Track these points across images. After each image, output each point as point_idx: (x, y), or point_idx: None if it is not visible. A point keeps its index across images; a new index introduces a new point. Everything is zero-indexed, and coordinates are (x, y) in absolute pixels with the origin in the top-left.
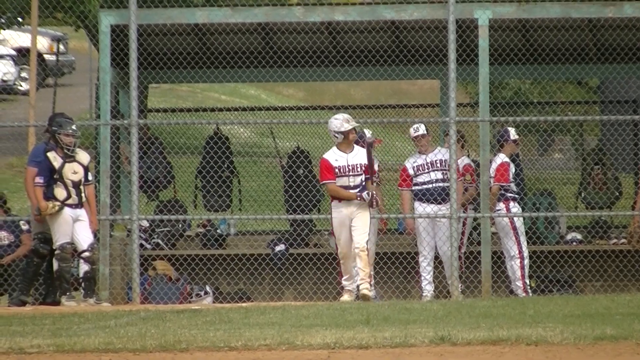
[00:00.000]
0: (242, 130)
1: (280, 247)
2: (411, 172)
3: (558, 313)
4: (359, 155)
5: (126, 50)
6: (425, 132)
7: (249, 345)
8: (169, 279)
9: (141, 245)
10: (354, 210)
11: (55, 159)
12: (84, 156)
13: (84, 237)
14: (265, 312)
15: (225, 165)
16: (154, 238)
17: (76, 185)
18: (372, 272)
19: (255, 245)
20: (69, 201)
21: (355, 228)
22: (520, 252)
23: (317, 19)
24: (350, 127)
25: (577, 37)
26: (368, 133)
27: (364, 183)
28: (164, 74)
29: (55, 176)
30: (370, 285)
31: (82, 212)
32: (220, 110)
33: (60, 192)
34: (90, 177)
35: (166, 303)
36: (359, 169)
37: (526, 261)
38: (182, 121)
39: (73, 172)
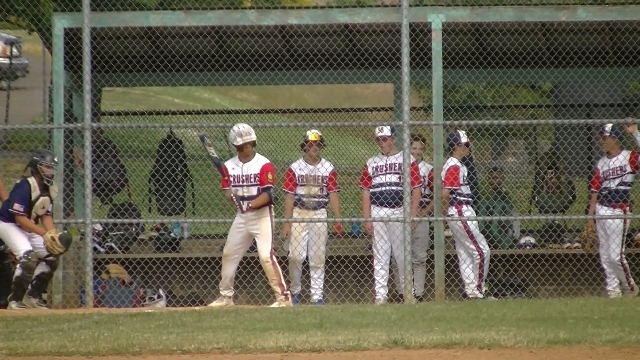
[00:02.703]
0: (195, 133)
1: None
2: (370, 171)
3: (511, 317)
4: (254, 166)
5: (80, 53)
6: (389, 133)
7: (202, 349)
8: (122, 283)
9: (94, 248)
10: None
11: (35, 189)
12: (54, 192)
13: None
14: (219, 316)
15: (179, 169)
16: (107, 241)
17: (39, 217)
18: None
19: (208, 248)
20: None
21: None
22: (480, 252)
23: (271, 22)
24: (241, 143)
25: (531, 41)
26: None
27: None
28: (118, 77)
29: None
30: (287, 296)
31: None
32: (174, 113)
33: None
34: (50, 208)
35: (119, 306)
36: (252, 180)
37: (486, 261)
38: (135, 124)
39: (42, 207)
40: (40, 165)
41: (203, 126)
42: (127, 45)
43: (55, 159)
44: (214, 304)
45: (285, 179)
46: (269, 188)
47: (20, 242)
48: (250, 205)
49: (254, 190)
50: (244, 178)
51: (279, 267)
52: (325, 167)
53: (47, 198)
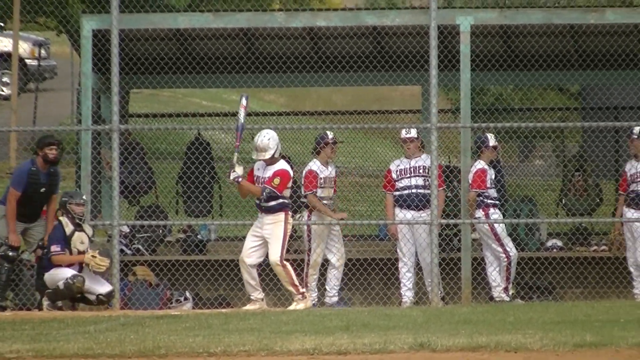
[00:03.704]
0: (223, 135)
1: None
2: (394, 175)
3: (538, 320)
4: (273, 170)
5: (108, 55)
6: (415, 135)
7: (228, 351)
8: (149, 285)
9: (122, 250)
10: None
11: (67, 225)
12: (88, 229)
13: None
14: (245, 318)
15: (207, 171)
16: (134, 243)
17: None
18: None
19: (235, 251)
20: (72, 267)
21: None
22: (507, 255)
23: (299, 24)
24: (255, 158)
25: (559, 44)
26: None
27: (278, 199)
28: (146, 79)
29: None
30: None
31: None
32: (202, 115)
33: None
34: (88, 245)
35: (146, 309)
36: (261, 182)
37: (513, 263)
38: (163, 126)
39: (80, 241)
40: (70, 204)
41: (231, 128)
42: (155, 47)
43: (84, 197)
44: (248, 307)
45: (309, 181)
46: (266, 188)
47: (68, 271)
48: (239, 180)
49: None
50: (262, 180)
51: (290, 269)
52: (332, 169)
53: (83, 234)
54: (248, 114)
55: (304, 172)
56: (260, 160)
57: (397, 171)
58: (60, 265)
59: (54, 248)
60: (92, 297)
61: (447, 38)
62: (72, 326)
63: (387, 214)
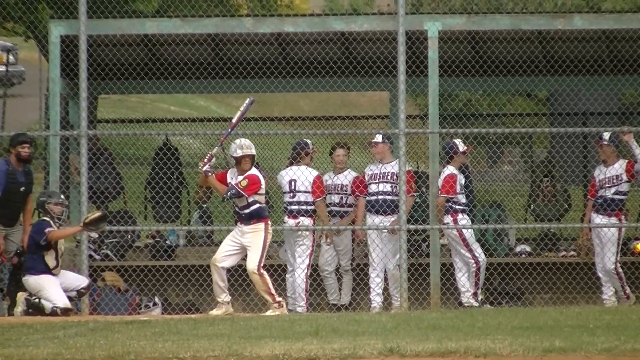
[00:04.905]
0: (191, 141)
1: None
2: (367, 179)
3: (507, 325)
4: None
5: (76, 60)
6: (379, 140)
7: (197, 357)
8: (118, 290)
9: (90, 256)
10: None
11: (52, 226)
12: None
13: None
14: (214, 324)
15: (175, 176)
16: (103, 249)
17: (61, 255)
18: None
19: (204, 256)
20: (55, 270)
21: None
22: (476, 260)
23: (267, 30)
24: (241, 155)
25: (527, 49)
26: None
27: (254, 205)
28: (114, 85)
29: (43, 242)
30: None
31: None
32: (170, 121)
33: (50, 260)
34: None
35: (115, 314)
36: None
37: (482, 269)
38: (131, 132)
39: (63, 241)
40: (49, 204)
41: (199, 134)
42: (123, 52)
43: (62, 197)
44: (214, 312)
45: (319, 188)
46: (232, 188)
47: (57, 294)
48: (209, 173)
49: (244, 200)
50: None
51: (267, 277)
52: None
53: None
54: (216, 119)
55: (312, 179)
56: (247, 154)
57: (369, 175)
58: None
59: (47, 230)
60: (73, 294)
61: (415, 44)
62: (41, 331)
63: (357, 216)
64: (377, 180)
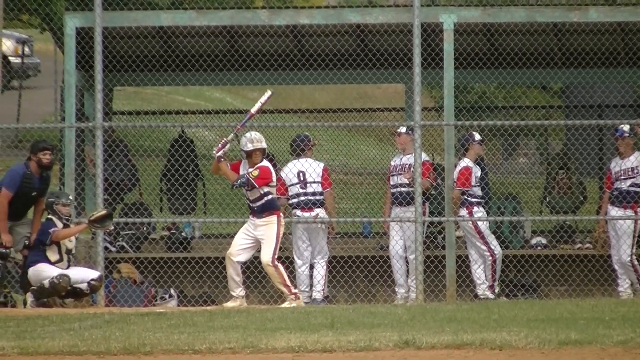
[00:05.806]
0: (207, 133)
1: None
2: (390, 170)
3: (522, 317)
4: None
5: (91, 52)
6: (403, 130)
7: (213, 349)
8: (134, 282)
9: (106, 248)
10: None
11: (57, 224)
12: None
13: None
14: (230, 316)
15: (190, 168)
16: (118, 241)
17: (68, 252)
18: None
19: (220, 248)
20: (59, 264)
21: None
22: (491, 253)
23: (282, 22)
24: (252, 148)
25: (542, 42)
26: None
27: (266, 197)
28: (129, 77)
29: (48, 242)
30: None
31: None
32: (185, 113)
33: (52, 255)
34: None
35: (130, 306)
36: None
37: (498, 261)
38: (147, 124)
39: (70, 240)
40: (57, 205)
41: (214, 125)
42: (138, 44)
43: (70, 197)
44: (229, 304)
45: (327, 179)
46: (243, 176)
47: (54, 270)
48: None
49: (256, 193)
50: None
51: (282, 269)
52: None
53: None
54: (232, 112)
55: (320, 170)
56: (258, 148)
57: (392, 167)
58: (45, 261)
59: (52, 230)
60: (84, 286)
61: (430, 36)
62: (57, 323)
63: (384, 209)
64: (398, 172)
